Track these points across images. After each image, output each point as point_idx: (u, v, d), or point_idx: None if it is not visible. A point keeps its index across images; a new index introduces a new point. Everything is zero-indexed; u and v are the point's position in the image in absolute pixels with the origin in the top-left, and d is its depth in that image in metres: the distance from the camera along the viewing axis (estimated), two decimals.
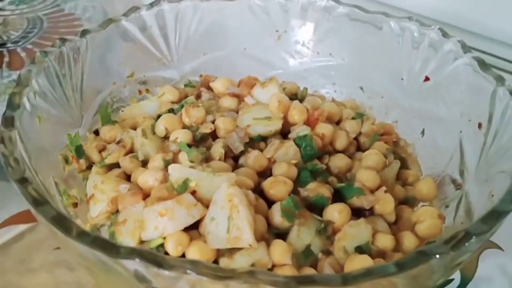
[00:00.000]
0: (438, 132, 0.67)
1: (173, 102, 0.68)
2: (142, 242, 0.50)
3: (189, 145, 0.57)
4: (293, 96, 0.72)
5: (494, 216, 0.42)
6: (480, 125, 0.59)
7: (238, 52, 0.79)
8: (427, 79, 0.69)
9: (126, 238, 0.49)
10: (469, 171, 0.59)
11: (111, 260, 0.36)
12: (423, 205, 0.62)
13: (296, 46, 0.79)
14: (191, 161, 0.55)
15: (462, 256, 0.42)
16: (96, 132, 0.66)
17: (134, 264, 0.36)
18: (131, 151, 0.61)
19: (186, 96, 0.71)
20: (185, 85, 0.75)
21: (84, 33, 0.65)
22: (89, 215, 0.55)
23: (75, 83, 0.64)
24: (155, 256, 0.36)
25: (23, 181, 0.43)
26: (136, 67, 0.73)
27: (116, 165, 0.60)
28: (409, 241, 0.56)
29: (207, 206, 0.50)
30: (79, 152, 0.61)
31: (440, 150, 0.66)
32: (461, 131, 0.63)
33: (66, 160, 0.59)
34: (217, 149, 0.57)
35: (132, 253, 0.36)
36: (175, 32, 0.75)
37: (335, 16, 0.75)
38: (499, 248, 0.68)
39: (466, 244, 0.40)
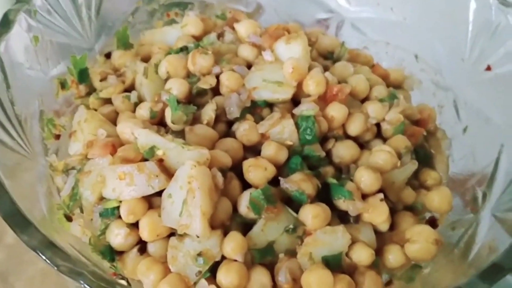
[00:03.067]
0: (480, 136, 0.57)
1: (194, 36, 0.62)
2: (102, 199, 0.48)
3: (180, 101, 0.52)
4: (328, 55, 0.63)
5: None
6: None
7: None
8: (488, 68, 0.57)
9: (87, 191, 0.48)
10: (491, 197, 0.50)
11: None
12: (431, 216, 0.55)
13: None
14: (172, 122, 0.50)
15: None
16: (108, 55, 0.62)
17: None
18: (132, 86, 0.58)
19: (211, 30, 0.64)
20: (217, 16, 0.68)
21: None
22: (68, 150, 0.54)
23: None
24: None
25: None
26: None
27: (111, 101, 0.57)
28: (394, 258, 0.50)
29: (171, 177, 0.46)
30: (82, 76, 0.59)
31: (475, 158, 0.56)
32: (502, 145, 0.52)
33: (63, 85, 0.57)
34: (208, 111, 0.52)
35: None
36: None
37: None
38: None
39: None
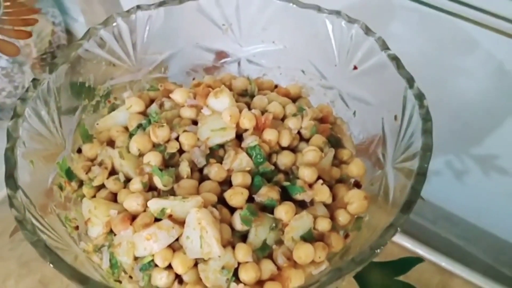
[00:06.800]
0: (366, 114, 0.80)
1: (140, 113, 0.79)
2: (136, 258, 0.64)
3: (161, 169, 0.69)
4: (244, 92, 0.83)
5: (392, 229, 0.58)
6: (396, 117, 0.72)
7: (192, 47, 0.88)
8: (355, 67, 0.80)
9: (124, 257, 0.64)
10: (388, 155, 0.73)
11: None
12: (354, 180, 0.77)
13: (242, 36, 0.88)
14: (164, 186, 0.68)
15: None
16: (79, 151, 0.77)
17: None
18: (113, 169, 0.73)
19: (151, 102, 0.81)
20: (148, 90, 0.85)
21: (52, 68, 0.73)
22: (89, 234, 0.69)
23: (53, 114, 0.74)
24: None
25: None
26: (101, 80, 0.82)
27: (104, 185, 0.72)
28: (343, 218, 0.71)
29: (182, 223, 0.64)
30: (69, 175, 0.73)
31: (368, 131, 0.79)
32: (382, 118, 0.76)
33: (61, 188, 0.71)
34: (184, 168, 0.70)
35: None
36: (131, 42, 0.83)
37: (273, 10, 0.83)
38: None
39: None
